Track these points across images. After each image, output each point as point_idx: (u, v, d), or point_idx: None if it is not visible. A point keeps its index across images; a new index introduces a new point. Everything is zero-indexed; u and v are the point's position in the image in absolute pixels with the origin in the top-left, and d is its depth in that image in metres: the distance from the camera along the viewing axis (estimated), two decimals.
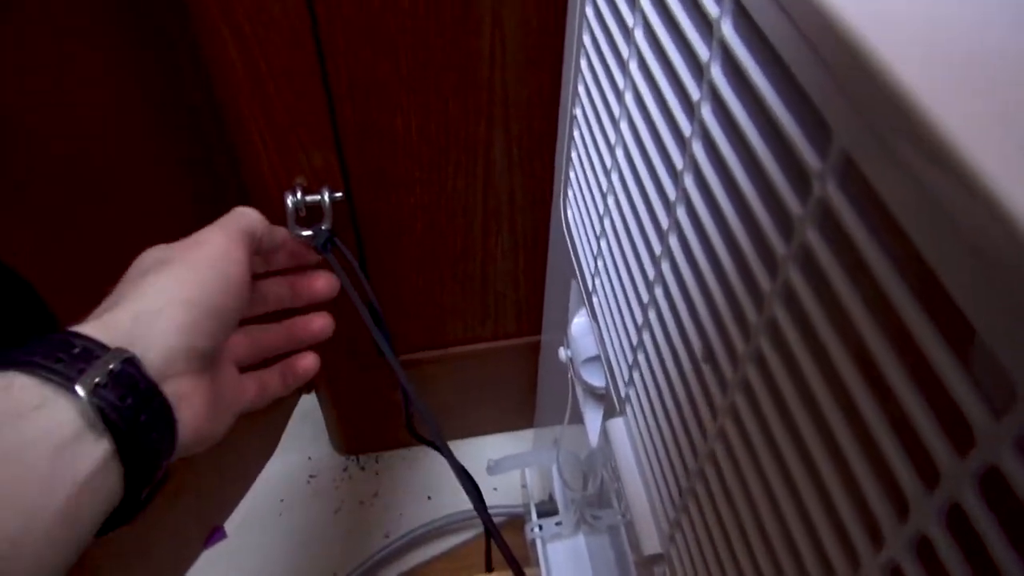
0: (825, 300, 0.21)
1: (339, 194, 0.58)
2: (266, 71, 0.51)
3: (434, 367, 0.82)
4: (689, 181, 0.31)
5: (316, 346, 0.51)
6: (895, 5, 0.18)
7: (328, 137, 0.56)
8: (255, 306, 0.49)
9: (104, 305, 0.37)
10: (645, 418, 0.40)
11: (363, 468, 0.96)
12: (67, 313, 0.53)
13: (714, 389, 0.31)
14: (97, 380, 0.32)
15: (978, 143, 0.14)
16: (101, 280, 0.43)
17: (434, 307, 0.75)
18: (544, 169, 0.62)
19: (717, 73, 0.27)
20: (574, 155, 0.51)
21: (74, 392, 0.31)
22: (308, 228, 0.55)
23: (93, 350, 0.33)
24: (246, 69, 0.50)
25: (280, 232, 0.48)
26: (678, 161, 0.31)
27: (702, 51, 0.28)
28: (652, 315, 0.37)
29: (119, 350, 0.34)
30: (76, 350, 0.33)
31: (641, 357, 0.40)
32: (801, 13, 0.20)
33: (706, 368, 0.31)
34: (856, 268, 0.20)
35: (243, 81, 0.51)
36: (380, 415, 0.91)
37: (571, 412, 0.60)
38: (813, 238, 0.21)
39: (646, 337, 0.39)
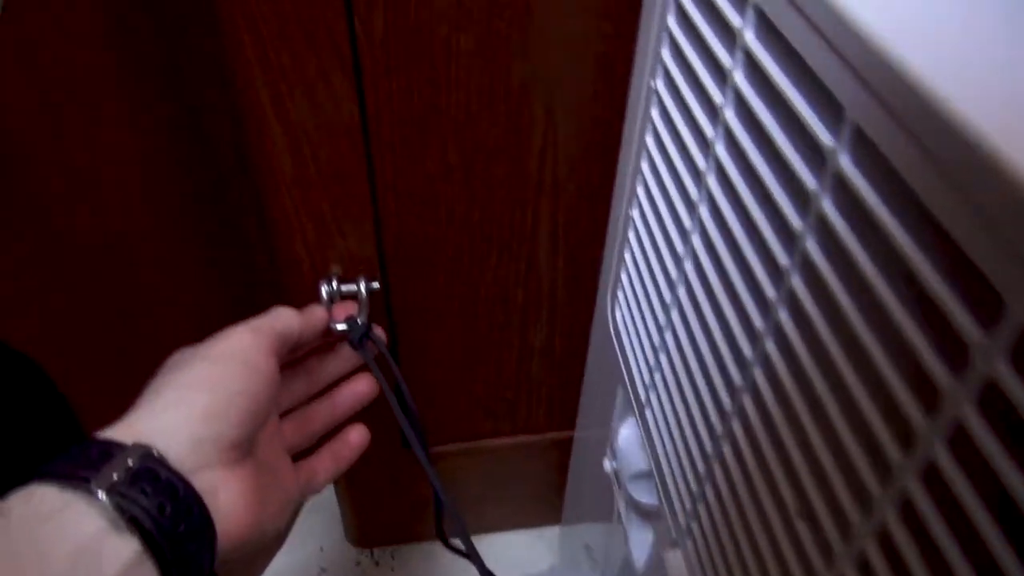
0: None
1: (376, 284, 0.55)
2: (310, 158, 0.49)
3: (460, 459, 0.78)
4: (784, 316, 0.28)
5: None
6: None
7: (368, 225, 0.54)
8: (291, 397, 0.49)
9: (129, 410, 0.37)
10: (713, 562, 0.36)
11: (378, 563, 0.91)
12: (87, 402, 0.51)
13: (811, 550, 0.27)
14: (116, 477, 0.31)
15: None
16: (125, 369, 0.41)
17: (464, 398, 0.71)
18: (589, 263, 0.60)
19: (829, 205, 0.24)
20: (627, 256, 0.48)
21: (92, 492, 0.30)
22: (343, 320, 0.52)
23: (112, 451, 0.32)
24: (291, 157, 0.48)
25: (318, 315, 0.48)
26: (769, 291, 0.28)
27: (809, 180, 0.25)
28: (727, 449, 0.34)
29: (138, 446, 0.33)
30: (95, 454, 0.32)
31: (709, 490, 0.36)
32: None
33: (801, 525, 0.28)
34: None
35: (286, 168, 0.49)
36: (399, 507, 0.86)
37: (614, 527, 0.56)
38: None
39: (717, 470, 0.35)
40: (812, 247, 0.25)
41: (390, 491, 0.83)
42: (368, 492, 0.84)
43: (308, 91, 0.45)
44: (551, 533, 0.93)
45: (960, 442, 0.18)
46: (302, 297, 0.57)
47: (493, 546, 0.90)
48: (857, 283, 0.23)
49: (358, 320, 0.53)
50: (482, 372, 0.68)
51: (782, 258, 0.27)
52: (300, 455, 0.50)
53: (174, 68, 0.51)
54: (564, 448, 0.78)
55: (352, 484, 0.84)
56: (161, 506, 0.32)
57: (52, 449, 0.34)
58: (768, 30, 0.27)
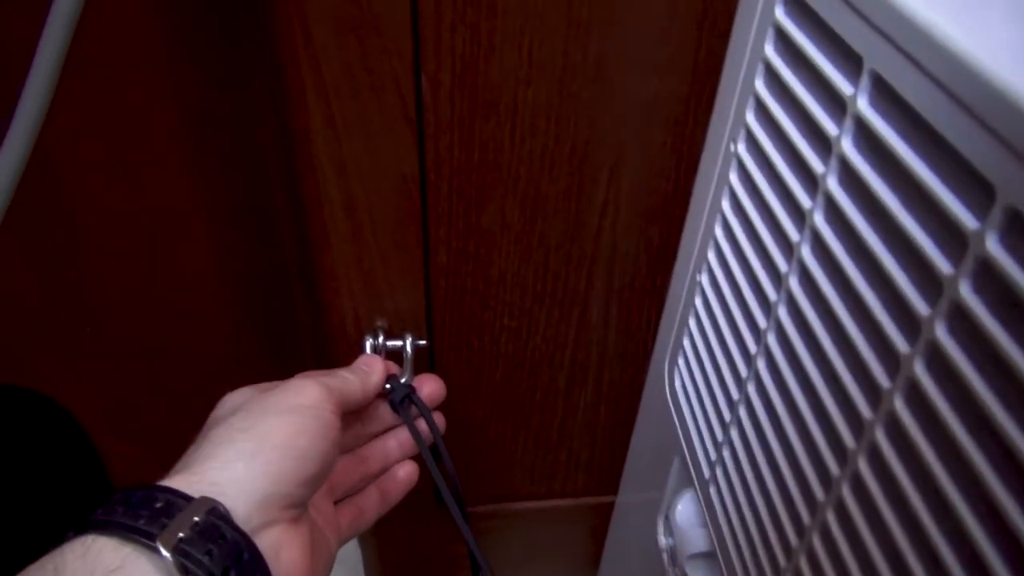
0: None
1: (423, 341, 0.54)
2: (364, 208, 0.48)
3: (494, 522, 0.75)
4: (900, 403, 0.25)
5: None
6: None
7: (419, 280, 0.52)
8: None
9: (188, 455, 0.35)
10: None
11: None
12: (118, 450, 0.49)
13: None
14: (181, 535, 0.29)
15: None
16: (158, 415, 0.39)
17: (503, 459, 0.69)
18: (643, 326, 0.58)
19: (966, 291, 0.22)
20: (692, 323, 0.46)
21: (156, 550, 0.29)
22: (386, 380, 0.51)
23: (177, 503, 0.30)
24: (344, 205, 0.47)
25: (374, 381, 0.46)
26: (882, 379, 0.26)
27: (943, 265, 0.23)
28: (817, 540, 0.31)
29: (204, 500, 0.31)
30: (159, 504, 0.30)
31: None
32: None
33: None
34: None
35: (338, 216, 0.48)
36: (427, 567, 0.83)
37: None
38: None
39: (804, 562, 0.32)
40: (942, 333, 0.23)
41: (419, 550, 0.80)
42: (397, 550, 0.81)
43: (367, 139, 0.44)
44: None
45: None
46: (345, 351, 0.56)
47: None
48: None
49: (400, 379, 0.51)
50: (523, 434, 0.66)
51: (902, 346, 0.25)
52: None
53: (235, 115, 0.50)
54: (602, 514, 0.75)
55: (380, 540, 0.81)
56: (226, 570, 0.30)
57: (78, 493, 0.32)
58: (887, 96, 0.26)
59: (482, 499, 0.73)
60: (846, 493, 0.29)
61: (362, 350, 0.52)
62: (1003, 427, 0.20)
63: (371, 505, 0.48)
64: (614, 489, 0.73)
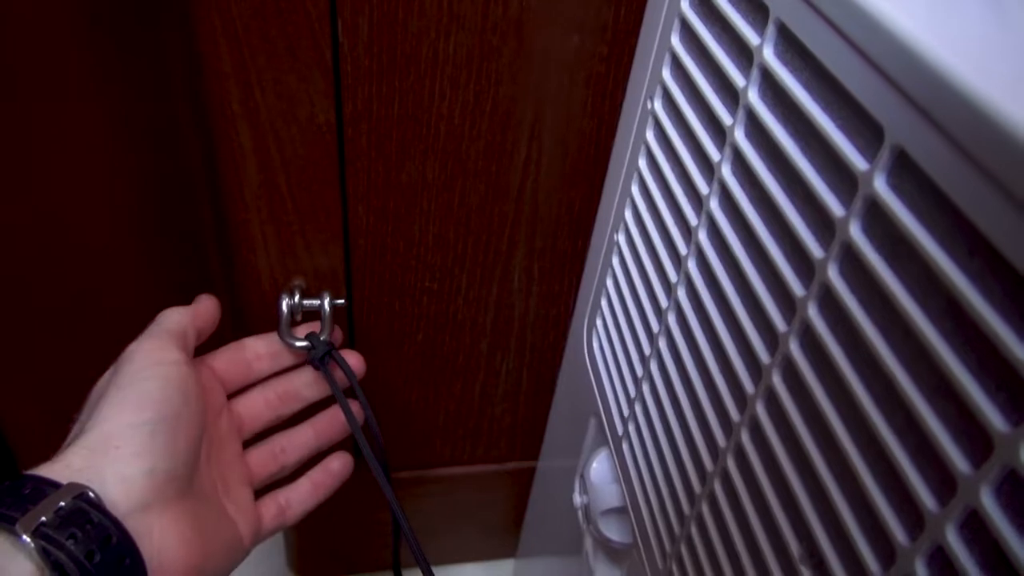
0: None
1: (341, 300, 0.53)
2: (279, 161, 0.46)
3: (416, 487, 0.75)
4: (795, 346, 0.26)
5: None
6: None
7: (337, 237, 0.51)
8: (255, 421, 0.47)
9: (67, 441, 0.35)
10: None
11: None
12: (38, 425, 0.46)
13: None
14: (44, 519, 0.29)
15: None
16: (68, 392, 0.38)
17: (425, 424, 0.68)
18: (564, 290, 0.58)
19: (856, 231, 0.22)
20: (610, 283, 0.47)
21: (16, 534, 0.29)
22: (304, 338, 0.50)
23: (44, 490, 0.31)
24: (257, 156, 0.46)
25: (204, 303, 0.46)
26: (779, 324, 0.27)
27: (836, 207, 0.23)
28: (718, 486, 0.32)
29: (72, 485, 0.31)
30: (26, 491, 0.30)
31: (695, 530, 0.34)
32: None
33: (805, 570, 0.26)
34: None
35: (251, 168, 0.46)
36: (347, 535, 0.82)
37: (578, 564, 0.54)
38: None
39: (705, 509, 0.33)
40: (835, 276, 0.24)
41: (339, 518, 0.79)
42: (315, 518, 0.80)
43: (280, 86, 0.43)
44: (506, 566, 0.90)
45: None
46: (262, 311, 0.54)
47: None
48: (887, 316, 0.21)
49: (320, 337, 0.50)
50: (445, 398, 0.66)
51: (795, 288, 0.26)
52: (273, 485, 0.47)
53: (147, 66, 0.47)
54: (524, 479, 0.76)
55: None
56: (90, 554, 0.30)
57: None
58: (790, 45, 0.26)
59: (406, 464, 0.73)
60: (745, 438, 0.29)
61: (278, 310, 0.51)
62: (889, 367, 0.21)
63: (301, 497, 0.48)
64: (536, 455, 0.74)
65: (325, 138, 0.45)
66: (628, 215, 0.43)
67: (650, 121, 0.39)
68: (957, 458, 0.18)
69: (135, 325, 0.43)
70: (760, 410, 0.28)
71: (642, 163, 0.40)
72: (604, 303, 0.48)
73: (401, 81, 0.44)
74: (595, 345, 0.50)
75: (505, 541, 0.86)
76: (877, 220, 0.22)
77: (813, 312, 0.25)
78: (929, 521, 0.19)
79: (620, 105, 0.46)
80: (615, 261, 0.45)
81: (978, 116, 0.17)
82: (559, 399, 0.64)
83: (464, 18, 0.42)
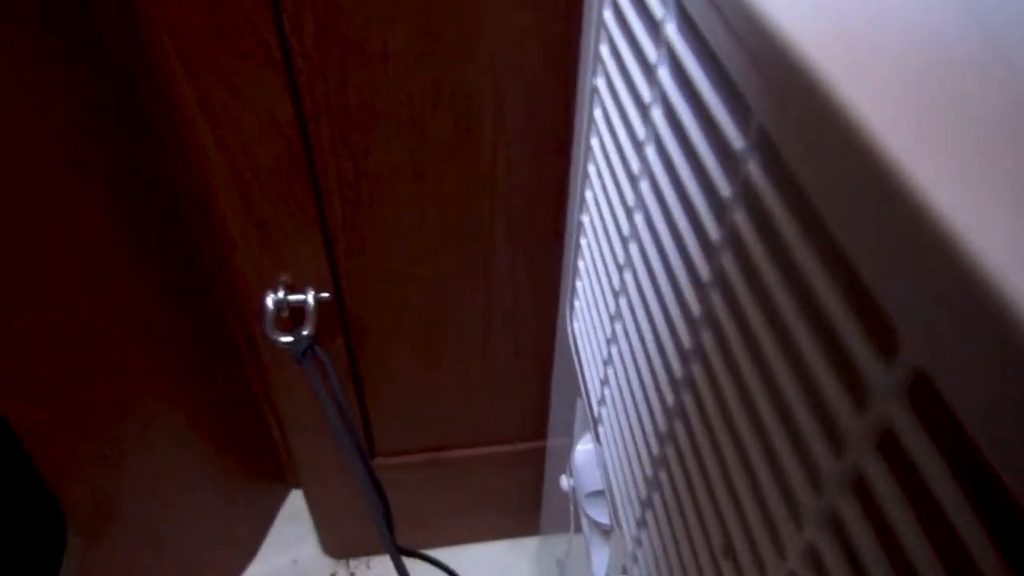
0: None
1: (325, 294, 0.53)
2: (244, 160, 0.46)
3: (432, 470, 0.76)
4: (708, 336, 0.25)
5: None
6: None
7: (315, 231, 0.51)
8: None
9: None
10: None
11: (353, 573, 0.88)
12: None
13: None
14: None
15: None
16: (81, 391, 0.38)
17: (434, 410, 0.69)
18: (551, 269, 0.57)
19: (742, 216, 0.21)
20: (581, 265, 0.46)
21: None
22: (288, 333, 0.50)
23: None
24: (224, 156, 0.46)
25: None
26: (694, 307, 0.26)
27: (724, 188, 0.22)
28: (663, 475, 0.31)
29: None
30: None
31: (650, 516, 0.34)
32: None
33: (725, 565, 0.25)
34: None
35: (221, 171, 0.47)
36: (358, 512, 0.84)
37: (574, 543, 0.54)
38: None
39: (656, 499, 0.33)
40: (728, 262, 0.23)
41: (363, 502, 0.81)
42: (342, 501, 0.82)
43: (232, 84, 0.43)
44: (530, 543, 0.90)
45: None
46: (247, 306, 0.55)
47: (472, 553, 0.88)
48: (767, 300, 0.20)
49: (303, 332, 0.50)
50: (446, 381, 0.66)
51: (703, 273, 0.25)
52: None
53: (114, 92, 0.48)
54: (539, 457, 0.76)
55: (326, 493, 0.81)
56: None
57: None
58: (688, 23, 0.25)
59: (415, 450, 0.74)
60: (687, 398, 0.29)
61: (263, 306, 0.52)
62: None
63: None
64: (544, 434, 0.73)
65: (287, 134, 0.45)
66: (588, 195, 0.42)
67: (596, 99, 0.37)
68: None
69: (130, 326, 0.44)
70: (696, 371, 0.27)
71: (594, 142, 0.39)
72: (579, 285, 0.47)
73: (355, 72, 0.43)
74: (575, 327, 0.49)
75: (529, 518, 0.86)
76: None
77: (728, 263, 0.24)
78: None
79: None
80: (583, 242, 0.44)
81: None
82: (557, 381, 0.63)
83: (407, 3, 0.41)
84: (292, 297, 0.53)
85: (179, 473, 0.70)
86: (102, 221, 0.52)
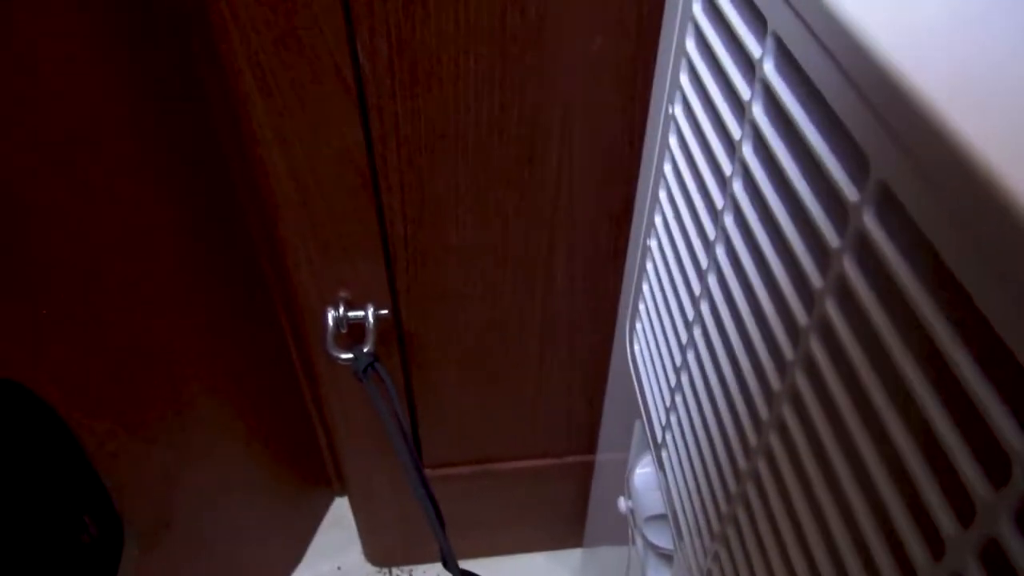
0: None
1: (385, 311, 0.54)
2: (313, 183, 0.47)
3: (478, 482, 0.76)
4: (800, 376, 0.25)
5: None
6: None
7: (377, 250, 0.52)
8: None
9: None
10: None
11: None
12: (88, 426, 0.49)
13: None
14: None
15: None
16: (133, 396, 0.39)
17: (482, 423, 0.69)
18: (610, 289, 0.57)
19: (851, 264, 0.21)
20: (645, 288, 0.46)
21: None
22: (349, 350, 0.51)
23: None
24: (293, 179, 0.47)
25: None
26: (787, 351, 0.26)
27: (831, 236, 0.22)
28: (741, 513, 0.31)
29: None
30: None
31: (722, 551, 0.34)
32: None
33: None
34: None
35: (289, 191, 0.47)
36: (419, 525, 0.84)
37: (632, 561, 0.54)
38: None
39: (731, 531, 0.33)
40: (832, 308, 0.22)
41: (410, 509, 0.82)
42: (387, 509, 0.83)
43: (307, 109, 0.43)
44: (571, 556, 0.90)
45: None
46: (309, 321, 0.56)
47: (515, 564, 0.88)
48: (879, 351, 0.20)
49: (364, 349, 0.51)
50: (498, 397, 0.66)
51: (799, 316, 0.25)
52: None
53: (185, 99, 0.49)
54: (584, 472, 0.76)
55: (371, 500, 0.82)
56: None
57: (58, 477, 0.30)
58: (789, 61, 0.25)
59: (464, 462, 0.74)
60: (773, 440, 0.28)
61: (324, 323, 0.52)
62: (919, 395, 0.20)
63: None
64: (593, 448, 0.73)
65: (355, 157, 0.46)
66: (658, 220, 0.42)
67: (672, 126, 0.37)
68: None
69: (193, 341, 0.44)
70: (787, 411, 0.27)
71: (667, 168, 0.39)
72: (642, 307, 0.47)
73: (425, 97, 0.44)
74: (636, 349, 0.49)
75: (572, 530, 0.86)
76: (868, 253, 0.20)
77: (831, 307, 0.23)
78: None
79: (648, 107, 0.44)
80: (649, 267, 0.44)
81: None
82: (610, 399, 0.63)
83: (481, 31, 0.41)
84: (352, 313, 0.53)
85: (232, 481, 0.71)
86: (172, 241, 0.53)
